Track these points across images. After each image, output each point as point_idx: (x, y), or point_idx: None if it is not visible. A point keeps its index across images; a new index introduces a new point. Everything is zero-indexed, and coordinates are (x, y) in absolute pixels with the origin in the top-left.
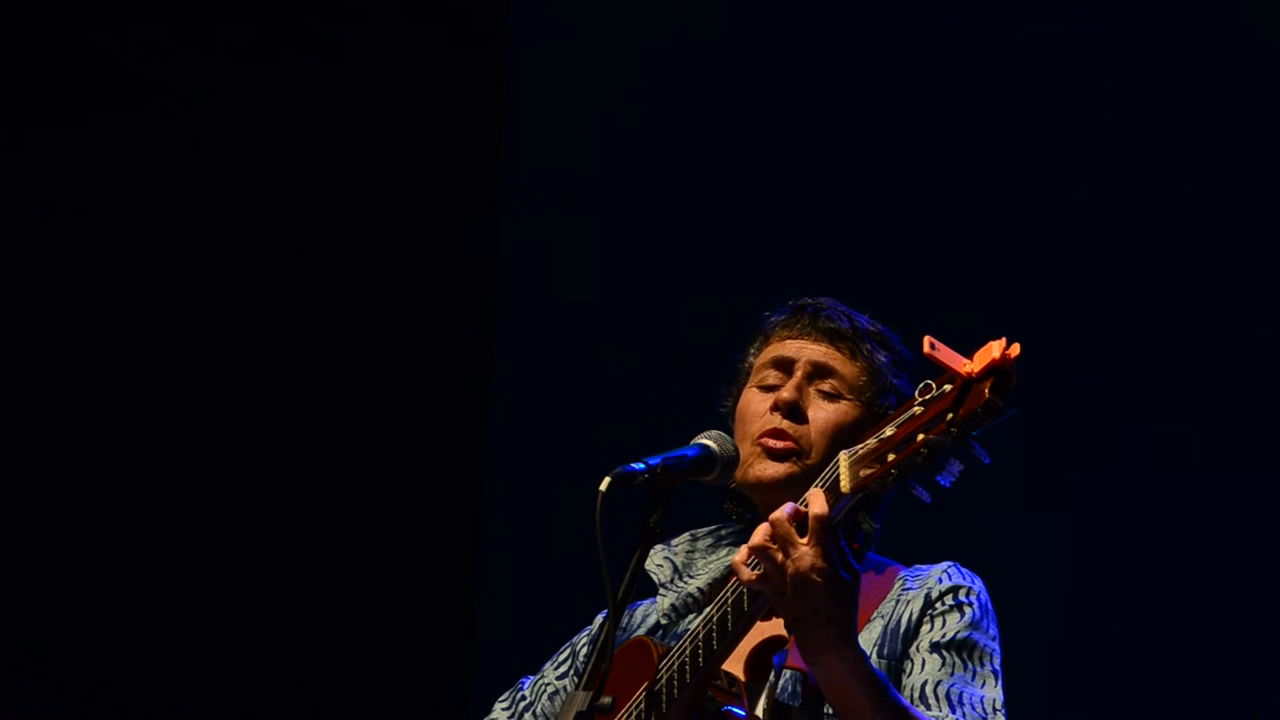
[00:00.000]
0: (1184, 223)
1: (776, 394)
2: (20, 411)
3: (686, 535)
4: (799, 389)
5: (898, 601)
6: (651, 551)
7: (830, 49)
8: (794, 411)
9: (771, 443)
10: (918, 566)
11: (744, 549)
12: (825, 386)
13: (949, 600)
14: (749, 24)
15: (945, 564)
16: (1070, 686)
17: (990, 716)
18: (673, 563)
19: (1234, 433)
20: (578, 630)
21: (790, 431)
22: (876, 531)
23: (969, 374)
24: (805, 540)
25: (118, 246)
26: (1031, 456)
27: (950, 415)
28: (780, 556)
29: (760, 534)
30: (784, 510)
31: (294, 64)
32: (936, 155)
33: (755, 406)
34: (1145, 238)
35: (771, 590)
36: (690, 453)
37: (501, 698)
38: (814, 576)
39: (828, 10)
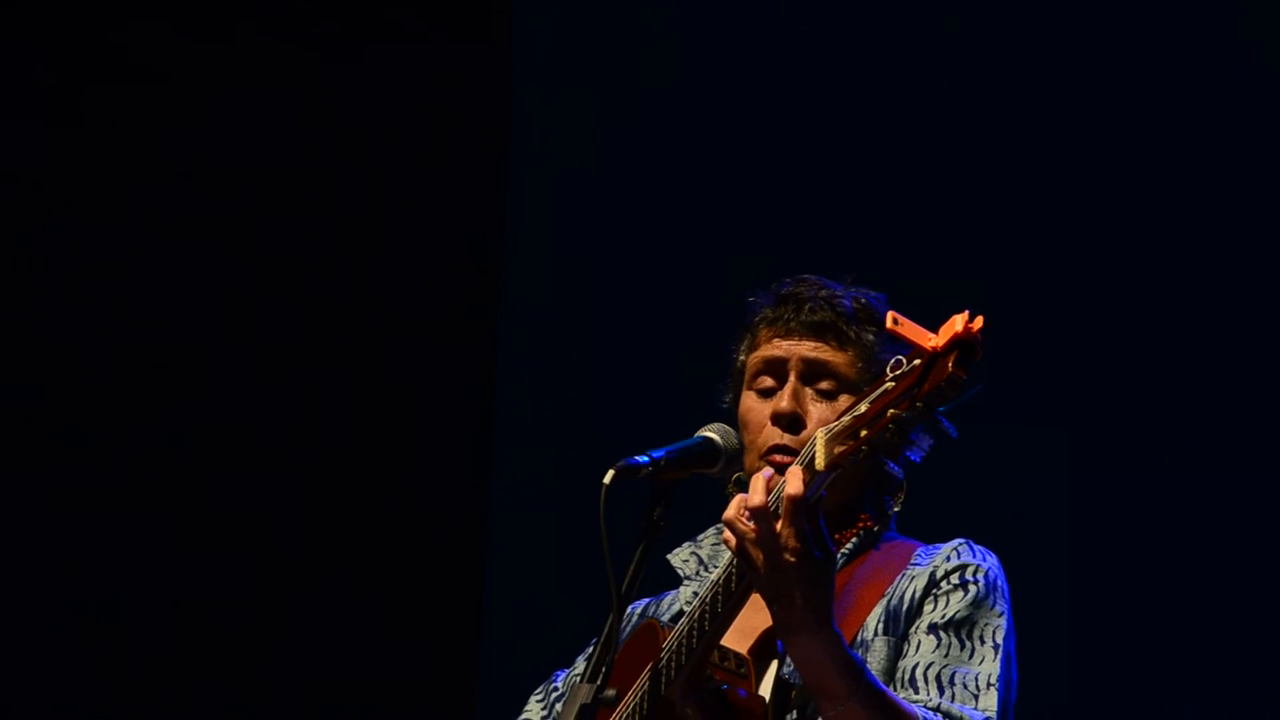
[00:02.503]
0: (1183, 215)
1: (774, 404)
2: None
3: (712, 530)
4: (795, 396)
5: (902, 577)
6: (679, 549)
7: (828, 50)
8: (794, 423)
9: (780, 459)
10: (937, 544)
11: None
12: (822, 385)
13: (954, 579)
14: (748, 24)
15: (957, 540)
16: (1069, 684)
17: (982, 693)
18: (698, 556)
19: (1234, 432)
20: (590, 623)
21: (794, 446)
22: (893, 511)
23: (933, 349)
24: (779, 520)
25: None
26: (1033, 454)
27: (915, 390)
28: (752, 534)
29: (734, 507)
30: (760, 486)
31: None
32: (935, 152)
33: (755, 415)
34: (1148, 236)
35: (746, 568)
36: (694, 445)
37: (536, 691)
38: (787, 556)
39: (825, 12)
